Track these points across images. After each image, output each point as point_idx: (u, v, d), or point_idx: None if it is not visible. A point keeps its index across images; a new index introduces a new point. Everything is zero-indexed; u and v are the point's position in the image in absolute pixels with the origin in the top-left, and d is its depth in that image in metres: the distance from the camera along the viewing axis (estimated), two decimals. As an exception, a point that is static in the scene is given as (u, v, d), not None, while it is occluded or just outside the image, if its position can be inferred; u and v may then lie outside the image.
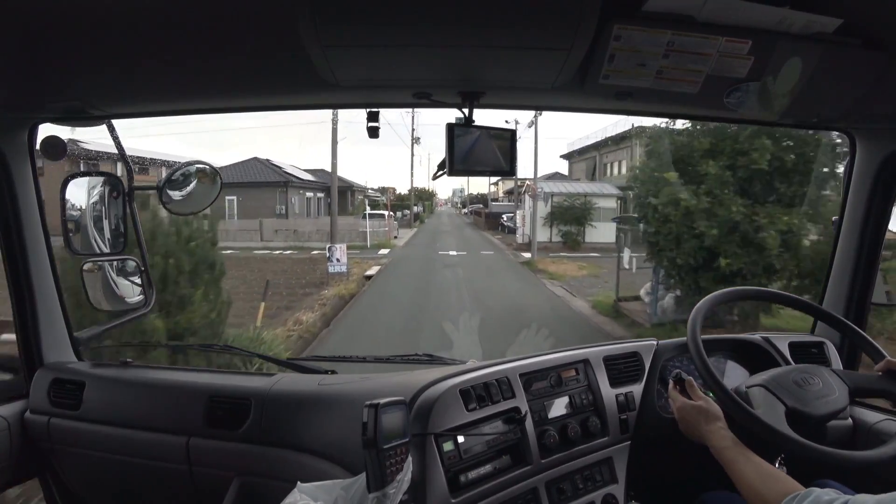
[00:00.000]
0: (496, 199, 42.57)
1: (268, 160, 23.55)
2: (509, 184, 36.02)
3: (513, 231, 23.39)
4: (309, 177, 25.77)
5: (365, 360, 1.51)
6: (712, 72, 0.99)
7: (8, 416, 1.37)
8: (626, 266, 9.82)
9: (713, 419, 1.07)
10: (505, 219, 26.33)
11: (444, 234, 26.38)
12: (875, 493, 1.09)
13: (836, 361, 1.39)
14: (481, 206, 44.22)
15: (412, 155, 36.18)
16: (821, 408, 1.05)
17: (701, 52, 0.95)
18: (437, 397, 1.05)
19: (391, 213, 23.53)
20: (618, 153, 23.65)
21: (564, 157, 28.88)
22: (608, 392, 1.26)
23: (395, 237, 21.70)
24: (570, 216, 19.18)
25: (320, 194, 25.45)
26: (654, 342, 1.38)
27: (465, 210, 52.20)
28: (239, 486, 1.25)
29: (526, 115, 19.71)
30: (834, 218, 1.54)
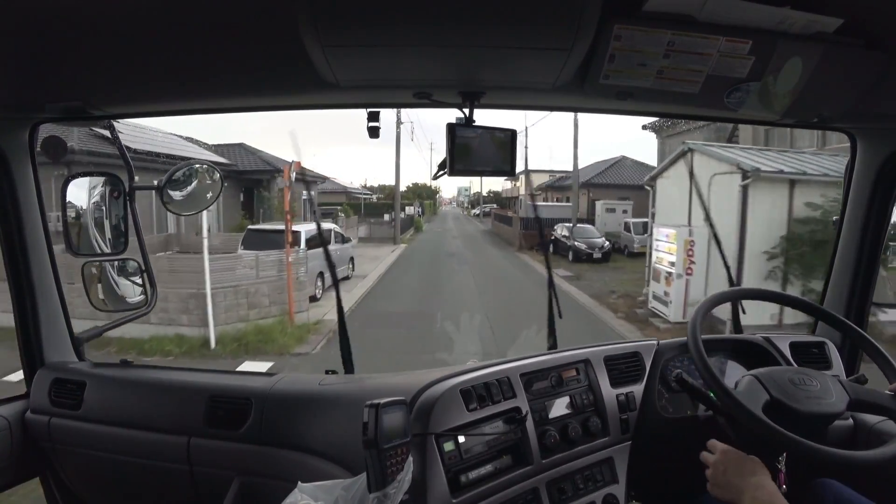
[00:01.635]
0: (514, 197, 35.95)
1: (109, 123, 4.52)
2: (537, 178, 30.96)
3: (580, 257, 13.16)
4: (200, 153, 12.49)
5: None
6: (713, 72, 0.98)
7: (8, 415, 1.38)
8: None
9: (759, 470, 0.97)
10: (563, 234, 14.22)
11: (454, 261, 13.98)
12: (877, 493, 1.09)
13: (837, 362, 1.39)
14: (495, 205, 37.77)
15: (398, 123, 19.69)
16: (808, 406, 1.04)
17: (701, 52, 0.95)
18: (438, 397, 1.05)
19: (326, 228, 10.66)
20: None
21: (649, 127, 16.27)
22: (609, 392, 1.25)
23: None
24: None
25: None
26: (655, 342, 1.38)
27: (477, 211, 44.71)
28: (239, 486, 1.25)
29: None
30: (834, 218, 1.54)
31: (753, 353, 1.36)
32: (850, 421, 1.27)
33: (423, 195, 46.96)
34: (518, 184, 38.65)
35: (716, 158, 8.15)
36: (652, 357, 1.34)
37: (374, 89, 1.18)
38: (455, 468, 1.01)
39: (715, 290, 1.21)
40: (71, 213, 1.34)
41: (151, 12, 0.86)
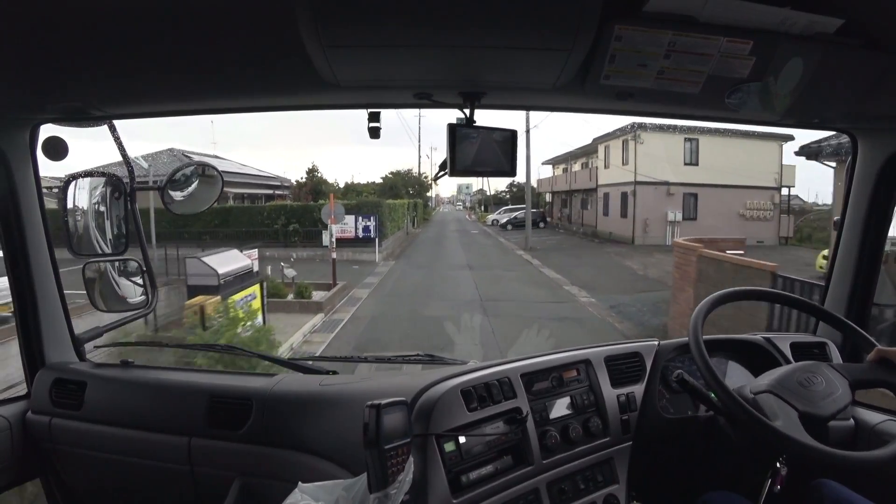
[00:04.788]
0: (581, 191, 21.29)
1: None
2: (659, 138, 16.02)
3: None
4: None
5: (366, 360, 1.52)
6: (713, 72, 0.98)
7: (9, 416, 1.38)
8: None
9: None
10: None
11: None
12: (878, 493, 1.09)
13: (838, 362, 1.39)
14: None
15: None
16: (829, 407, 1.06)
17: (702, 53, 0.95)
18: (439, 398, 1.05)
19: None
20: None
21: None
22: (609, 392, 1.25)
23: None
24: None
25: None
26: (656, 342, 1.38)
27: (500, 219, 26.11)
28: (240, 486, 1.25)
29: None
30: (835, 218, 1.54)
31: (754, 354, 1.36)
32: (851, 421, 1.27)
33: (404, 189, 28.34)
34: (596, 163, 20.92)
35: None
36: (653, 357, 1.34)
37: (374, 89, 1.18)
38: (456, 468, 1.01)
39: None
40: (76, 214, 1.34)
41: (151, 13, 0.86)
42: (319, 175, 22.12)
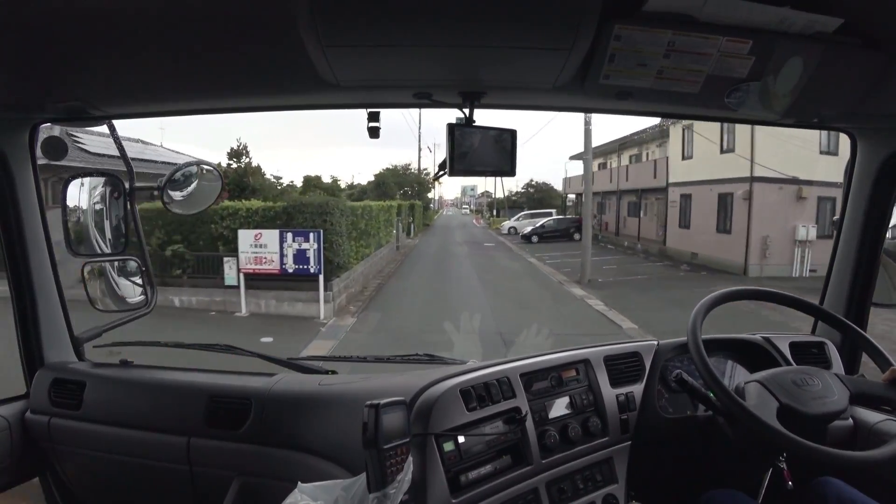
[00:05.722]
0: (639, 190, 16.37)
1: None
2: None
3: None
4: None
5: (365, 360, 1.52)
6: (713, 72, 0.99)
7: (8, 415, 1.38)
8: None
9: None
10: None
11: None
12: (877, 493, 1.09)
13: (837, 362, 1.39)
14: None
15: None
16: (816, 408, 1.05)
17: (701, 52, 0.95)
18: (438, 397, 1.05)
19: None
20: None
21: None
22: (609, 392, 1.25)
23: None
24: None
25: None
26: (655, 342, 1.38)
27: (528, 230, 20.06)
28: (239, 486, 1.25)
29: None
30: (834, 218, 1.54)
31: (753, 354, 1.36)
32: (850, 421, 1.27)
33: (398, 188, 22.84)
34: (658, 153, 15.34)
35: None
36: (652, 357, 1.34)
37: (374, 89, 1.18)
38: (455, 468, 1.01)
39: None
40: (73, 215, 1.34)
41: (151, 13, 0.86)
42: (248, 161, 13.74)
